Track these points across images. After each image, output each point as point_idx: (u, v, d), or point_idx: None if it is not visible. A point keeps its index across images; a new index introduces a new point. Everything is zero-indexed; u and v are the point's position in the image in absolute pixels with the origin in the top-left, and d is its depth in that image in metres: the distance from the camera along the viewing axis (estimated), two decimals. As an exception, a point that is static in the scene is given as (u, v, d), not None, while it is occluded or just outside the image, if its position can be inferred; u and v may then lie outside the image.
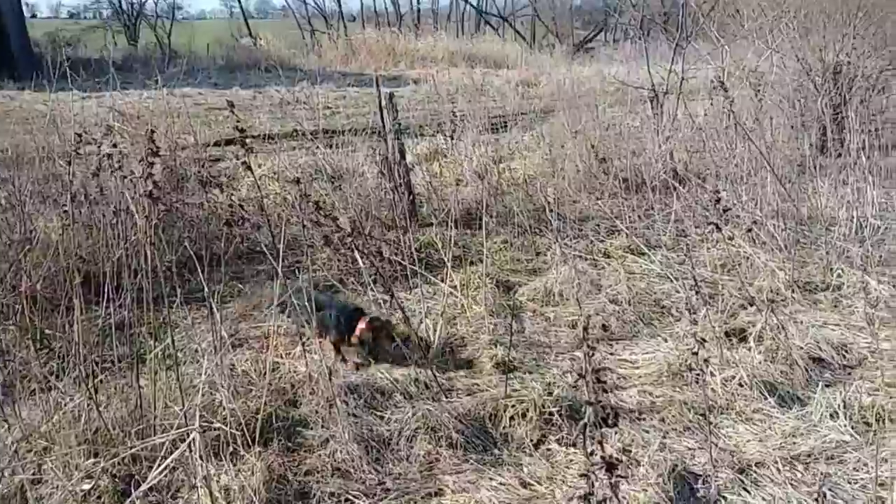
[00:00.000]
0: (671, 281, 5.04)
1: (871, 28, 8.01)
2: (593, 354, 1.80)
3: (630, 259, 5.54)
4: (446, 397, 3.75)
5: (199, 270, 3.41)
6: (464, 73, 20.96)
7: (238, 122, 3.57)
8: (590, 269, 5.34)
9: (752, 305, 4.46)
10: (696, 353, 2.54)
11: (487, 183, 7.08)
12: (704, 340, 2.73)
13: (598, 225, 6.28)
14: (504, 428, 3.49)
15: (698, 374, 2.49)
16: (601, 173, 7.03)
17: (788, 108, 8.45)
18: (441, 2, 40.32)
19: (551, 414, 3.48)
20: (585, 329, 1.86)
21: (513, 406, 3.56)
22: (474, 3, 35.34)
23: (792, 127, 8.31)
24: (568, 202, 6.98)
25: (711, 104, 7.52)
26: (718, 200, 4.05)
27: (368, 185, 6.67)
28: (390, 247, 5.87)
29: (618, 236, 5.96)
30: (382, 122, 6.64)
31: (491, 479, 3.12)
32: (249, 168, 3.60)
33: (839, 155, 8.34)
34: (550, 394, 3.60)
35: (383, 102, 6.63)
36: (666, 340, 4.29)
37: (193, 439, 2.65)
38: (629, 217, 6.29)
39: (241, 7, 36.24)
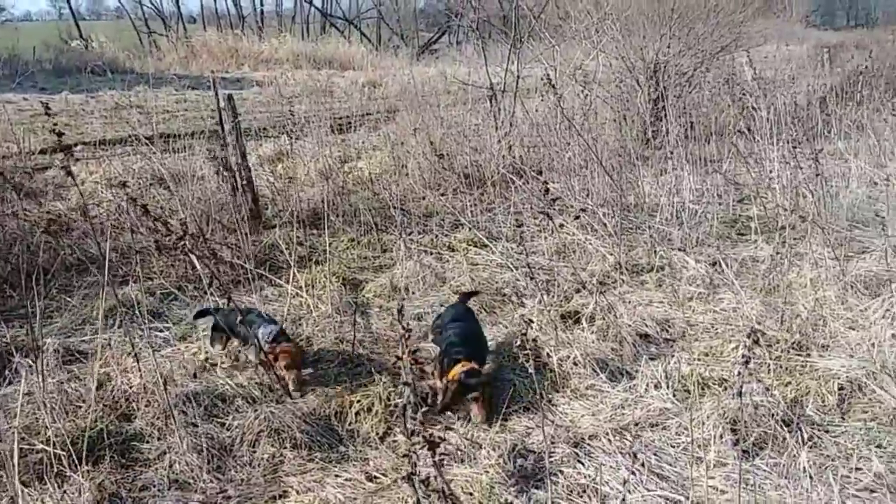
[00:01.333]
0: (511, 270, 5.18)
1: (684, 29, 8.72)
2: (409, 338, 1.77)
3: (473, 251, 5.65)
4: (290, 398, 3.63)
5: (22, 285, 3.09)
6: (309, 76, 20.79)
7: (55, 126, 3.30)
8: (435, 263, 5.39)
9: (584, 289, 4.67)
10: (525, 334, 2.59)
11: (332, 183, 6.99)
12: (531, 321, 2.80)
13: (443, 220, 6.35)
14: (350, 424, 3.44)
15: (528, 355, 2.53)
16: (444, 170, 7.13)
17: (614, 104, 9.01)
18: (285, 3, 39.45)
19: (396, 406, 3.46)
20: (400, 311, 1.83)
21: (358, 401, 3.52)
22: (319, 6, 34.92)
23: (615, 121, 8.87)
24: (413, 199, 7.02)
25: (542, 101, 7.84)
26: (547, 191, 4.21)
27: (209, 189, 6.35)
28: (232, 250, 5.62)
29: (461, 230, 6.06)
30: (221, 124, 6.37)
31: (337, 475, 3.07)
32: (71, 175, 3.30)
33: (660, 146, 9.03)
34: (396, 386, 3.58)
35: (222, 104, 6.37)
36: (506, 327, 4.41)
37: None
38: (471, 211, 6.42)
39: (70, 8, 33.35)
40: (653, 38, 8.74)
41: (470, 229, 5.91)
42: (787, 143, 7.14)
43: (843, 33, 33.63)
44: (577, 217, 5.49)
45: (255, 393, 3.68)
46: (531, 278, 3.56)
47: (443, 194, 7.03)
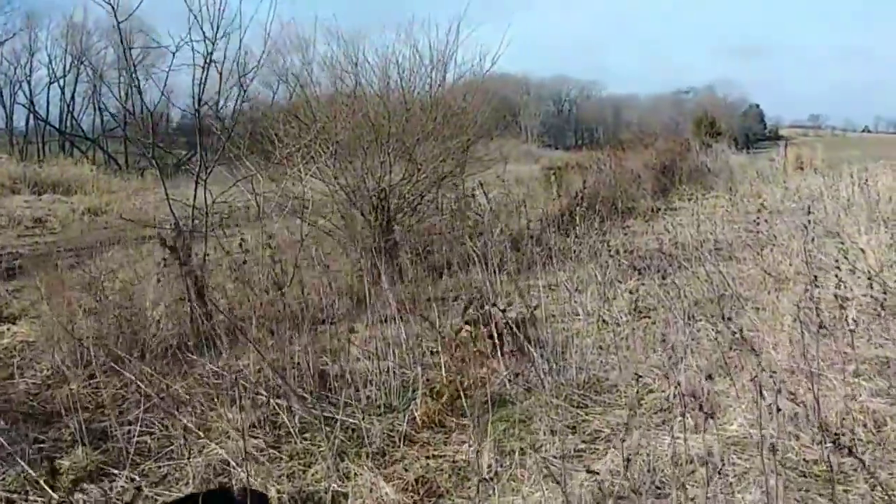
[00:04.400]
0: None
1: (405, 155, 8.07)
2: None
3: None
4: None
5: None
6: (26, 202, 17.98)
7: None
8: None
9: None
10: None
11: None
12: None
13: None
14: None
15: None
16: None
17: (341, 235, 8.02)
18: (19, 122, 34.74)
19: None
20: None
21: None
22: (56, 124, 31.35)
23: (344, 252, 7.86)
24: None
25: (247, 239, 6.52)
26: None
27: None
28: None
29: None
30: None
31: None
32: None
33: (393, 282, 8.10)
34: None
35: None
36: None
37: None
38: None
39: None
40: (374, 165, 7.96)
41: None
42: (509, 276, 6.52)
43: (572, 153, 37.38)
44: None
45: None
46: None
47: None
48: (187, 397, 4.49)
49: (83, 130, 34.28)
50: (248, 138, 7.56)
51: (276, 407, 4.30)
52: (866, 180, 10.31)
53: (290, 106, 8.81)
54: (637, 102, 63.59)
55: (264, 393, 4.41)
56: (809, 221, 7.13)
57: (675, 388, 3.65)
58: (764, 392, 3.21)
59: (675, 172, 16.46)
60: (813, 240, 7.31)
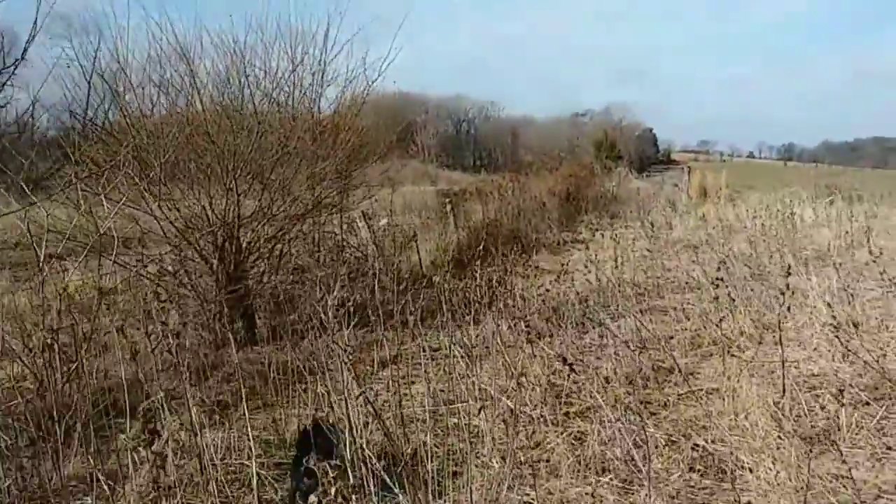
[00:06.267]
0: None
1: (257, 184, 6.27)
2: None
3: None
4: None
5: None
6: None
7: None
8: None
9: None
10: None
11: None
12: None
13: None
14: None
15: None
16: None
17: (169, 283, 6.12)
18: None
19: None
20: None
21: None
22: None
23: (176, 306, 5.99)
24: None
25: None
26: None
27: None
28: None
29: None
30: None
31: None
32: None
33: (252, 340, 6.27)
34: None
35: None
36: None
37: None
38: None
39: None
40: (219, 195, 6.11)
41: None
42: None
43: (470, 175, 36.37)
44: None
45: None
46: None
47: None
48: None
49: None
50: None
51: None
52: (791, 214, 9.44)
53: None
54: (535, 124, 63.92)
55: None
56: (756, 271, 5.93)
57: None
58: None
59: (580, 199, 15.38)
60: (762, 294, 6.12)
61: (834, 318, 4.72)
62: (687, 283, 7.98)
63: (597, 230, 12.10)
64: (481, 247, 8.02)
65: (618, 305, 6.50)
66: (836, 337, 4.54)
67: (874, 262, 5.87)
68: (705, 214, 11.62)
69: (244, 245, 6.33)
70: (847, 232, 9.13)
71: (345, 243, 9.02)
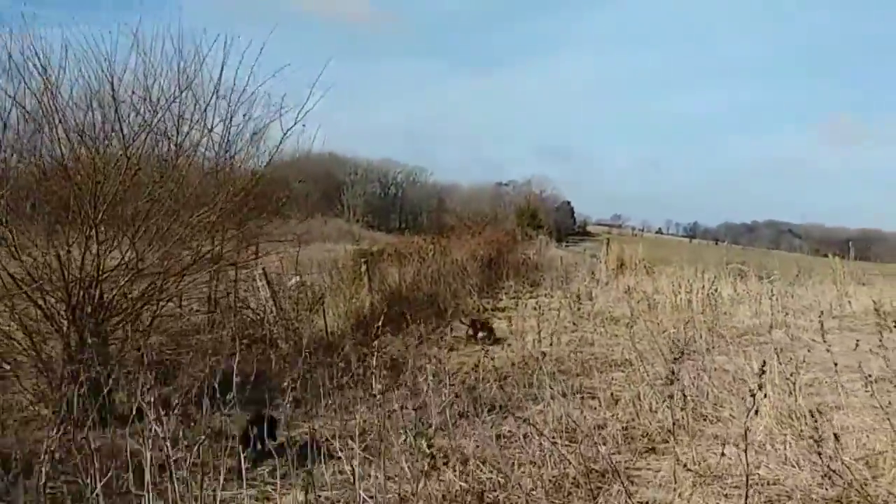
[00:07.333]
0: None
1: (127, 233, 5.30)
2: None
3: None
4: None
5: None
6: None
7: None
8: None
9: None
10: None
11: None
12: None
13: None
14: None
15: None
16: None
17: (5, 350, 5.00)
18: None
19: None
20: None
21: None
22: None
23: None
24: None
25: None
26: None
27: None
28: None
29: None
30: None
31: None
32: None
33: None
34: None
35: None
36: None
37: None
38: None
39: None
40: (78, 242, 5.11)
41: None
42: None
43: (395, 236, 35.79)
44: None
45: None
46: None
47: None
48: None
49: None
50: None
51: None
52: (716, 289, 9.11)
53: None
54: (460, 190, 64.58)
55: None
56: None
57: None
58: None
59: (502, 265, 14.85)
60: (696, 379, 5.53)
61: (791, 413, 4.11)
62: (614, 360, 7.43)
63: (518, 299, 11.53)
64: (395, 312, 7.26)
65: (539, 384, 5.81)
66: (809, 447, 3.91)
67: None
68: (629, 288, 11.23)
69: (106, 303, 5.31)
70: (767, 311, 8.94)
71: (241, 304, 8.06)
